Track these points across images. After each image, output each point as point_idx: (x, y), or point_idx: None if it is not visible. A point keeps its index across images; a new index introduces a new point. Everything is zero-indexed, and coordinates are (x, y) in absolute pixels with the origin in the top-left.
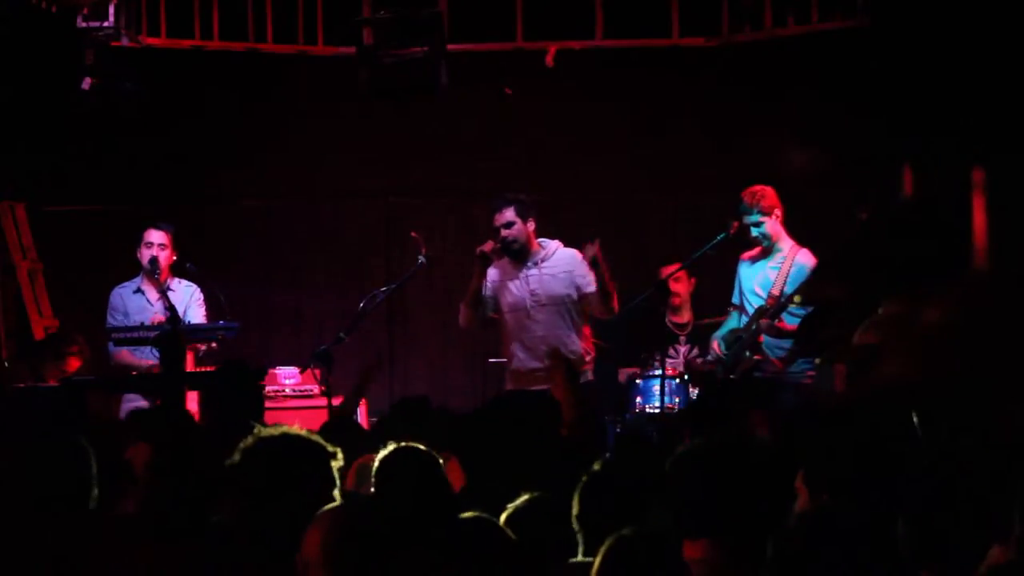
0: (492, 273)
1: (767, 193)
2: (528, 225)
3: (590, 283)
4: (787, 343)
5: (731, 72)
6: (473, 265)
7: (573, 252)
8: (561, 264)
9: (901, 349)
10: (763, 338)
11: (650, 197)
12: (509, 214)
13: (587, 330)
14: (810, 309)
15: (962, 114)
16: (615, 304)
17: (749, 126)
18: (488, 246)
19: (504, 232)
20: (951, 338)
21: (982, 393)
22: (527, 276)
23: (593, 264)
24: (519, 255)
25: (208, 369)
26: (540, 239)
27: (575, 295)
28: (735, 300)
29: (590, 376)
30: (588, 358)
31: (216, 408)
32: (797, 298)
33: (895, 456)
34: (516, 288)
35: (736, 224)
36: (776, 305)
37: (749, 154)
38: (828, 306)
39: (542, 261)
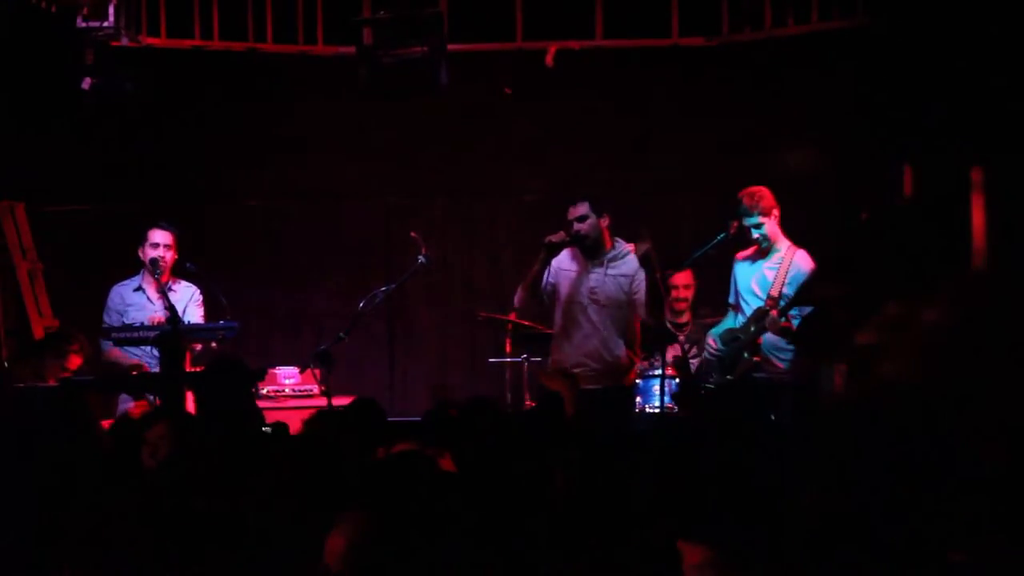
0: (564, 260)
1: (765, 194)
2: (603, 220)
3: (643, 290)
4: (784, 343)
5: (731, 72)
6: (538, 251)
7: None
8: (624, 268)
9: (901, 349)
10: (762, 339)
11: (650, 197)
12: (583, 208)
13: (638, 340)
14: (810, 309)
15: (962, 114)
16: (665, 309)
17: (749, 126)
18: (558, 236)
19: (577, 225)
20: (951, 338)
21: (982, 393)
22: (592, 273)
23: (645, 261)
24: (591, 250)
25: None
26: (616, 238)
27: (631, 301)
28: (731, 300)
29: (628, 380)
30: (631, 366)
31: (206, 407)
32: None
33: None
34: (580, 281)
35: (736, 224)
36: (780, 302)
37: (749, 154)
38: (828, 306)
39: (609, 261)
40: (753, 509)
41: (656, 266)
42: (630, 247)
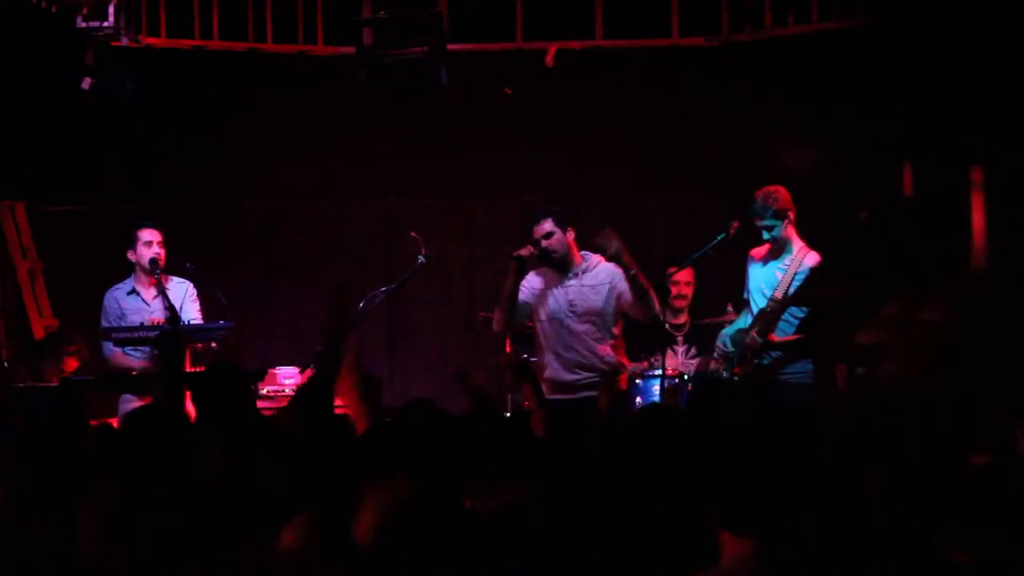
0: (535, 280)
1: (781, 195)
2: (568, 234)
3: (627, 292)
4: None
5: (731, 72)
6: (508, 269)
7: (613, 266)
8: (601, 277)
9: (901, 349)
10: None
11: (650, 197)
12: (548, 225)
13: (622, 344)
14: (809, 309)
15: (962, 114)
16: (655, 301)
17: (749, 126)
18: (526, 251)
19: (544, 243)
20: (951, 338)
21: (982, 392)
22: (567, 287)
23: (617, 259)
24: (561, 265)
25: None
26: (583, 252)
27: (613, 309)
28: (745, 296)
29: (622, 385)
30: (622, 368)
31: (205, 410)
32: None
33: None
34: (555, 297)
35: (736, 224)
36: (767, 320)
37: (749, 154)
38: (828, 306)
39: (583, 273)
40: (793, 502)
41: (630, 264)
42: (599, 258)
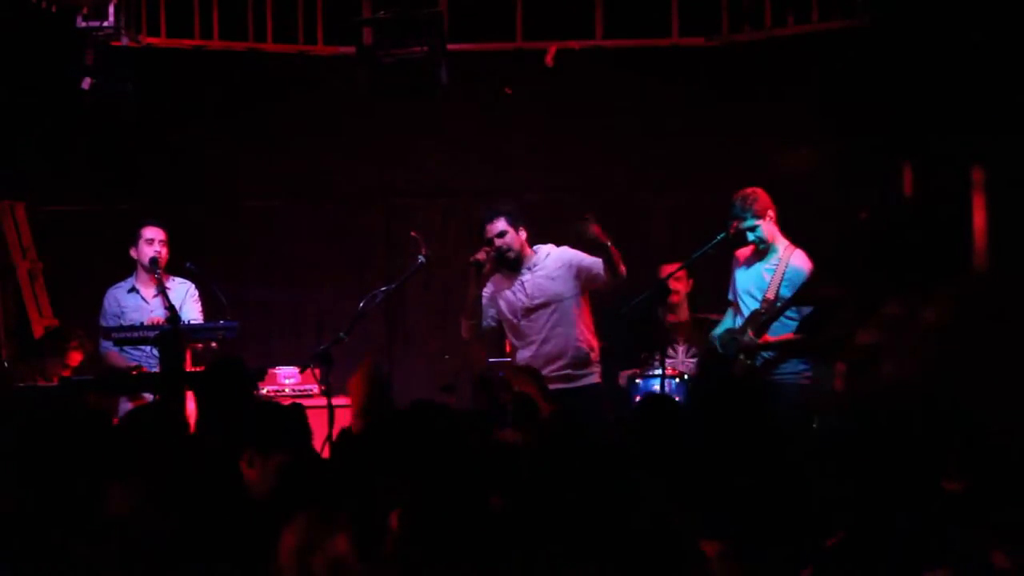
0: (489, 286)
1: (759, 196)
2: (520, 233)
3: (593, 263)
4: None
5: (731, 72)
6: (468, 276)
7: (564, 248)
8: (554, 263)
9: (901, 349)
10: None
11: (650, 197)
12: (501, 224)
13: (592, 328)
14: (808, 310)
15: (962, 114)
16: (622, 268)
17: (749, 126)
18: (482, 255)
19: (498, 241)
20: (951, 338)
21: (981, 392)
22: (522, 282)
23: (596, 244)
24: (514, 264)
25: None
26: (534, 246)
27: (578, 290)
28: (730, 297)
29: (597, 378)
30: (594, 355)
31: (208, 408)
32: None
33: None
34: (513, 296)
35: (735, 224)
36: (761, 321)
37: (749, 154)
38: (828, 306)
39: (535, 266)
40: (763, 503)
41: (604, 238)
42: (549, 247)
